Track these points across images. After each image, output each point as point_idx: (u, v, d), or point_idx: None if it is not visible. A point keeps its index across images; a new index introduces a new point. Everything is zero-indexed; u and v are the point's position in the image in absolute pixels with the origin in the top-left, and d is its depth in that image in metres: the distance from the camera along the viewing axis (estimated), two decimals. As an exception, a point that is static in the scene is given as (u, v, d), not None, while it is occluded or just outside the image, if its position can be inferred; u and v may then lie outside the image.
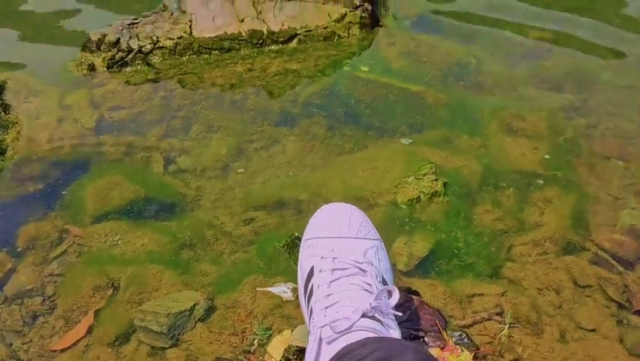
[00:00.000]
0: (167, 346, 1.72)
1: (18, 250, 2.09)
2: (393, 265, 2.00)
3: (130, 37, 3.28)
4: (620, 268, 1.98)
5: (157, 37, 3.30)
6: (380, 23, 3.75)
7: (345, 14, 3.61)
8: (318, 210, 1.61)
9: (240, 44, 3.46)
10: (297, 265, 1.55)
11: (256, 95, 3.11)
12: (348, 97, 3.04)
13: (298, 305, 1.65)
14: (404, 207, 2.26)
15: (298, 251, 1.57)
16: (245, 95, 3.12)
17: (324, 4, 3.60)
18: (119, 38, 3.25)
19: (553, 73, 3.23)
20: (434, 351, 1.60)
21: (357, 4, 3.65)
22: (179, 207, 2.34)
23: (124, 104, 2.97)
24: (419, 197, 2.27)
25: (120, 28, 3.31)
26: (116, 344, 1.75)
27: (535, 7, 4.00)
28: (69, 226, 2.21)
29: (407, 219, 2.21)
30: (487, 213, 2.25)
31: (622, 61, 3.36)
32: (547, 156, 2.56)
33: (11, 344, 1.74)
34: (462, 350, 1.62)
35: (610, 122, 2.80)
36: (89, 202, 2.30)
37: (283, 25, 3.52)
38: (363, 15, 3.64)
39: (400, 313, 1.32)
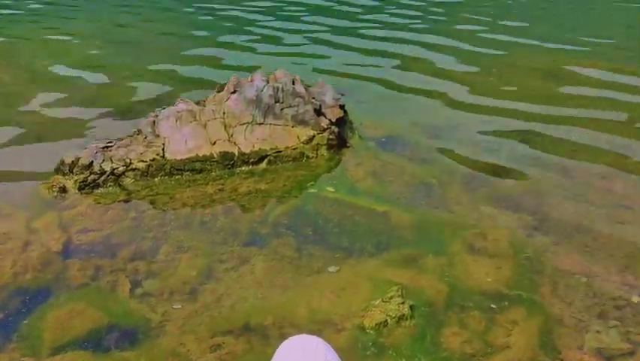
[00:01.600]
0: None
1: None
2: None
3: (103, 160, 3.37)
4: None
5: (130, 160, 3.40)
6: (347, 144, 3.94)
7: (314, 136, 3.80)
8: (285, 341, 1.60)
9: (211, 165, 3.57)
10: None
11: (226, 215, 3.17)
12: (316, 217, 3.12)
13: None
14: (371, 331, 2.25)
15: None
16: (215, 215, 3.17)
17: (293, 127, 3.79)
18: (92, 161, 3.33)
19: (510, 192, 3.39)
20: None
21: (325, 126, 3.85)
22: (143, 333, 2.29)
23: (93, 226, 2.98)
24: (386, 321, 2.27)
25: (94, 151, 3.40)
26: None
27: (489, 136, 4.28)
28: (26, 358, 2.12)
29: (372, 345, 2.19)
30: (454, 335, 2.25)
31: (573, 180, 3.56)
32: (510, 276, 2.62)
33: None
34: None
35: (568, 239, 2.91)
36: (49, 333, 2.23)
37: (254, 146, 3.67)
38: (331, 137, 3.83)
39: None
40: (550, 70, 5.58)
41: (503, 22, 7.31)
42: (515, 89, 5.13)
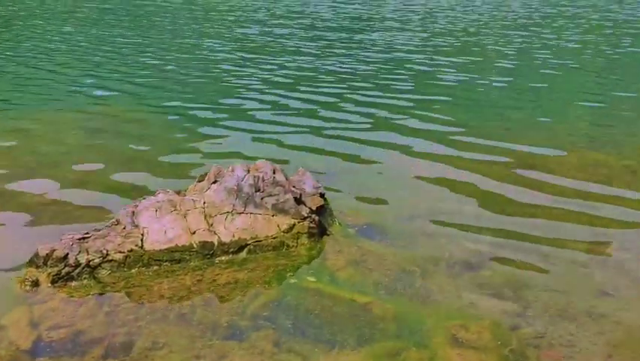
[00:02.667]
0: None
1: None
2: None
3: (79, 252, 3.30)
4: None
5: (107, 251, 3.34)
6: (327, 232, 3.94)
7: (294, 225, 3.80)
8: None
9: (190, 255, 3.53)
10: None
11: (205, 307, 3.09)
12: (297, 308, 3.05)
13: None
14: None
15: None
16: (193, 307, 3.08)
17: (273, 215, 3.79)
18: (67, 253, 3.27)
19: (493, 280, 3.38)
20: None
21: (305, 215, 3.87)
22: None
23: (65, 322, 2.87)
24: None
25: (70, 242, 3.35)
26: None
27: (471, 221, 4.34)
28: None
29: None
30: None
31: (553, 267, 3.58)
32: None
33: None
34: None
35: (553, 327, 2.88)
36: None
37: (234, 236, 3.65)
38: (311, 225, 3.83)
39: None
40: (526, 160, 5.75)
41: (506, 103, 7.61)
42: (497, 181, 5.24)
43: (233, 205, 3.74)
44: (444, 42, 13.31)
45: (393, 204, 4.62)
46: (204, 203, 3.75)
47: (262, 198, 3.82)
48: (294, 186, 4.02)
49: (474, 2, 25.38)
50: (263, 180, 3.90)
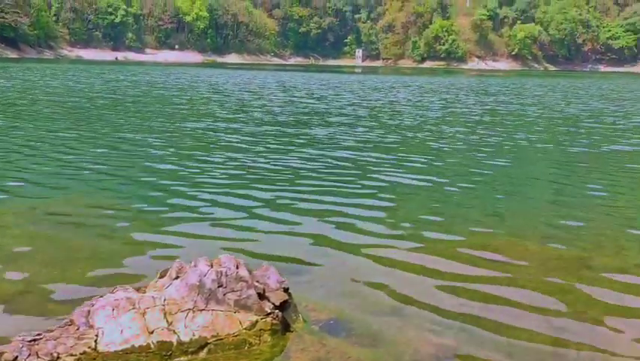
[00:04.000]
0: None
1: None
2: None
3: (29, 355, 3.14)
4: None
5: (58, 354, 3.18)
6: (291, 328, 3.85)
7: (257, 321, 3.71)
8: None
9: (147, 356, 3.37)
10: None
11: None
12: (258, 412, 2.92)
13: None
14: None
15: None
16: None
17: (235, 312, 3.71)
18: (16, 356, 3.10)
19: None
20: None
21: (269, 311, 3.79)
22: None
23: None
24: None
25: (20, 345, 3.18)
26: None
27: (438, 315, 4.32)
28: None
29: None
30: None
31: None
32: None
33: None
34: None
35: None
36: None
37: (194, 334, 3.53)
38: (274, 322, 3.75)
39: None
40: (488, 249, 5.84)
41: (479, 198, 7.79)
42: (461, 271, 5.29)
43: (195, 302, 3.66)
44: (394, 138, 13.84)
45: (358, 297, 4.58)
46: (165, 300, 3.66)
47: (225, 294, 3.75)
48: (257, 281, 3.97)
49: (426, 99, 26.77)
50: (226, 275, 3.85)
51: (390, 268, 5.21)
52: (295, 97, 24.60)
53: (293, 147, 11.58)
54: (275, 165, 9.74)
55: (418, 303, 4.49)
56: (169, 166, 9.47)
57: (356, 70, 77.63)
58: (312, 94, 26.69)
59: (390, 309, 4.36)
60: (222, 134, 13.14)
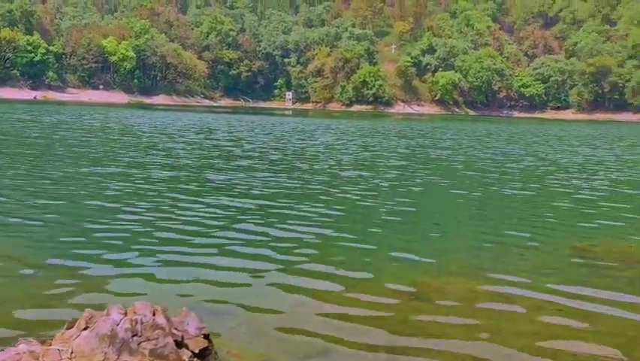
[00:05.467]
0: None
1: None
2: None
3: None
4: None
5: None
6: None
7: (174, 372, 3.52)
8: None
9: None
10: None
11: None
12: None
13: None
14: None
15: None
16: None
17: (151, 363, 3.50)
18: None
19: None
20: None
21: (186, 359, 3.61)
22: None
23: None
24: None
25: None
26: None
27: (366, 351, 4.28)
28: None
29: None
30: None
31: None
32: None
33: None
34: None
35: None
36: None
37: (104, 389, 3.29)
38: (193, 371, 3.57)
39: None
40: (415, 291, 5.91)
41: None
42: (394, 308, 5.30)
43: (106, 354, 3.42)
44: (302, 183, 14.00)
45: (284, 341, 4.48)
46: (72, 353, 3.40)
47: (139, 344, 3.54)
48: (175, 328, 3.78)
49: (347, 142, 27.42)
50: (141, 324, 3.64)
51: (316, 310, 5.15)
52: (210, 139, 24.08)
53: (190, 193, 11.33)
54: (176, 213, 9.52)
55: (346, 343, 4.45)
56: (62, 210, 9.03)
57: (286, 112, 78.53)
58: (231, 137, 26.28)
59: (318, 351, 4.29)
60: (117, 180, 12.26)
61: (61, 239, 7.22)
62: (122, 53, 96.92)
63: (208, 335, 3.92)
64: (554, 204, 11.31)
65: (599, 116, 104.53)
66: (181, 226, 8.05)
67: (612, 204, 11.41)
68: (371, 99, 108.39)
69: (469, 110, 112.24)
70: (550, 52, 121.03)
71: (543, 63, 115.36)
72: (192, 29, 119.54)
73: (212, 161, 16.57)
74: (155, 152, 18.05)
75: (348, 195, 11.24)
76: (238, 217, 8.81)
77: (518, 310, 5.33)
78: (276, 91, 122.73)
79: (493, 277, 6.28)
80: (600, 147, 28.64)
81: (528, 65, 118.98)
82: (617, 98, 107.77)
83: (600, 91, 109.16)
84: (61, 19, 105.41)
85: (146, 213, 8.75)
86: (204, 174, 13.63)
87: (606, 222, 9.52)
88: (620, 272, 6.74)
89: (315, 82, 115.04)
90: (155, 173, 13.24)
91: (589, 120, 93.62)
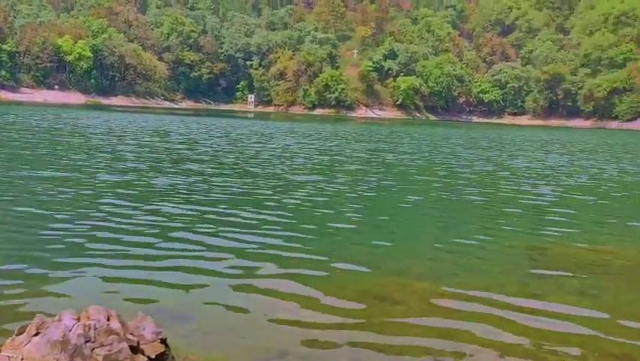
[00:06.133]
0: None
1: None
2: None
3: None
4: None
5: None
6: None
7: (129, 377, 3.45)
8: None
9: None
10: None
11: None
12: None
13: None
14: None
15: None
16: None
17: (105, 369, 3.42)
18: None
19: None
20: None
21: (143, 365, 3.54)
22: None
23: None
24: None
25: None
26: None
27: (323, 350, 4.29)
28: None
29: None
30: None
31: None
32: None
33: None
34: None
35: None
36: None
37: (56, 397, 3.20)
38: (149, 376, 3.50)
39: None
40: (373, 295, 5.96)
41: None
42: (354, 309, 5.32)
43: (58, 360, 3.32)
44: (255, 187, 13.98)
45: (243, 346, 4.45)
46: (22, 359, 3.29)
47: (93, 350, 3.45)
48: (131, 333, 3.71)
49: (314, 145, 27.52)
50: (95, 329, 3.55)
51: (274, 313, 5.13)
52: (163, 142, 23.25)
53: (134, 197, 11.16)
54: (126, 215, 9.37)
55: (304, 344, 4.45)
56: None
57: (248, 115, 78.09)
58: (186, 139, 25.40)
59: (277, 354, 4.28)
60: (57, 185, 11.94)
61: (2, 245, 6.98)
62: (78, 53, 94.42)
63: (165, 339, 3.85)
64: (509, 208, 11.61)
65: (553, 122, 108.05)
66: (135, 229, 7.90)
67: (564, 209, 11.80)
68: (333, 103, 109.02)
69: (429, 115, 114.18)
70: (507, 59, 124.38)
71: (500, 70, 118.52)
72: (152, 30, 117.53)
73: (160, 164, 15.80)
74: (101, 155, 17.15)
75: (301, 200, 11.13)
76: (184, 223, 8.69)
77: (475, 310, 5.45)
78: (238, 93, 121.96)
79: (450, 279, 6.40)
80: (553, 152, 29.59)
81: (486, 72, 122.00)
82: (570, 104, 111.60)
83: (554, 98, 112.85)
84: (15, 17, 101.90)
85: (94, 218, 8.54)
86: (150, 177, 12.94)
87: (558, 225, 9.83)
88: (570, 273, 6.96)
89: (277, 85, 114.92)
90: (101, 176, 12.61)
91: (544, 126, 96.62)
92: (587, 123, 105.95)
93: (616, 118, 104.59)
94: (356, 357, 4.36)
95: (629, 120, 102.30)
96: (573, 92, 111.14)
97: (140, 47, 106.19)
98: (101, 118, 41.55)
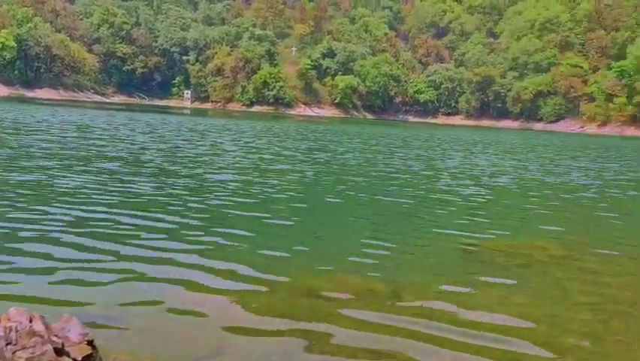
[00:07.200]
0: None
1: None
2: None
3: None
4: None
5: None
6: (96, 385, 3.51)
7: (54, 381, 3.31)
8: None
9: None
10: None
11: None
12: None
13: None
14: None
15: None
16: None
17: (27, 372, 3.27)
18: None
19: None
20: None
21: (68, 367, 3.41)
22: None
23: None
24: None
25: None
26: None
27: (255, 349, 4.28)
28: None
29: None
30: None
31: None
32: None
33: None
34: None
35: None
36: None
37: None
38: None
39: None
40: (307, 289, 5.99)
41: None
42: (287, 308, 5.33)
43: (-26, 365, 3.14)
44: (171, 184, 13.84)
45: (176, 345, 4.37)
46: None
47: (14, 353, 3.29)
48: (55, 335, 3.56)
49: (245, 143, 27.35)
50: (16, 331, 3.39)
51: (207, 311, 5.08)
52: (81, 138, 21.64)
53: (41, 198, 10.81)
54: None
55: (235, 343, 4.43)
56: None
57: (184, 111, 76.40)
58: (108, 135, 23.73)
59: (212, 352, 4.24)
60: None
61: None
62: (1, 42, 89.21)
63: (92, 341, 3.73)
64: (438, 207, 12.00)
65: (485, 122, 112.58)
66: (49, 230, 7.58)
67: (490, 208, 12.33)
68: (272, 100, 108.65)
69: (367, 114, 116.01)
70: (441, 60, 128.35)
71: (435, 71, 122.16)
72: (81, 20, 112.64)
73: (71, 162, 14.37)
74: (3, 151, 15.56)
75: (226, 200, 10.90)
76: (89, 227, 8.45)
77: (407, 303, 5.61)
78: (174, 89, 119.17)
79: (381, 276, 6.53)
80: (482, 153, 30.80)
81: (422, 72, 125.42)
82: (500, 106, 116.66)
83: (485, 99, 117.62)
84: None
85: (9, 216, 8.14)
86: (56, 177, 11.72)
87: (485, 224, 10.27)
88: (497, 267, 7.30)
89: (215, 81, 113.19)
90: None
91: (476, 126, 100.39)
92: (516, 124, 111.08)
93: (541, 119, 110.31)
94: (287, 353, 4.38)
95: (552, 122, 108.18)
96: (502, 94, 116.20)
97: (68, 38, 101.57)
98: (17, 112, 38.48)
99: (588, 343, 4.94)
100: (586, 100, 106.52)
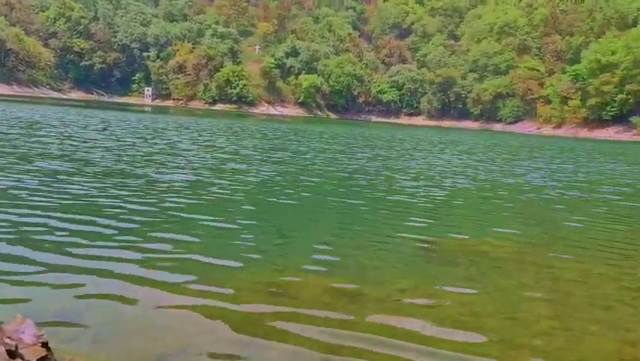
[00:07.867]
0: None
1: None
2: None
3: None
4: None
5: None
6: (50, 388, 3.43)
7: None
8: None
9: None
10: None
11: None
12: None
13: None
14: None
15: None
16: None
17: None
18: None
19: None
20: None
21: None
22: None
23: None
24: None
25: None
26: None
27: (222, 352, 4.25)
28: None
29: None
30: None
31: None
32: None
33: None
34: None
35: None
36: None
37: None
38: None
39: None
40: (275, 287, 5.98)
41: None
42: (252, 309, 5.30)
43: None
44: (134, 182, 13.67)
45: (134, 345, 4.30)
46: None
47: (-37, 357, 3.18)
48: (9, 337, 3.46)
49: (200, 141, 27.06)
50: (-34, 335, 3.28)
51: (164, 312, 5.02)
52: (27, 136, 20.21)
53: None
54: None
55: (198, 343, 4.39)
56: None
57: (145, 109, 74.94)
58: (58, 133, 22.26)
59: (172, 352, 4.19)
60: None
61: None
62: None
63: (47, 343, 3.64)
64: (401, 206, 12.17)
65: (446, 123, 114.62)
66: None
67: (449, 208, 12.57)
68: (235, 99, 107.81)
69: (330, 114, 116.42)
70: (404, 61, 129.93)
71: (398, 71, 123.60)
72: (37, 14, 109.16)
73: (6, 161, 13.31)
74: None
75: (182, 202, 10.74)
76: (45, 221, 8.25)
77: (369, 303, 5.67)
78: (134, 86, 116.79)
79: (344, 274, 6.58)
80: (442, 153, 31.34)
81: (385, 73, 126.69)
82: (460, 107, 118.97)
83: (447, 100, 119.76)
84: None
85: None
86: None
87: (445, 223, 10.47)
88: (457, 263, 7.47)
89: (176, 78, 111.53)
90: None
91: (437, 126, 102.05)
92: (476, 125, 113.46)
93: (500, 121, 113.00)
94: (253, 352, 4.37)
95: (511, 123, 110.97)
96: (463, 95, 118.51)
97: (23, 32, 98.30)
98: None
99: (542, 338, 5.10)
100: (542, 102, 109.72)
